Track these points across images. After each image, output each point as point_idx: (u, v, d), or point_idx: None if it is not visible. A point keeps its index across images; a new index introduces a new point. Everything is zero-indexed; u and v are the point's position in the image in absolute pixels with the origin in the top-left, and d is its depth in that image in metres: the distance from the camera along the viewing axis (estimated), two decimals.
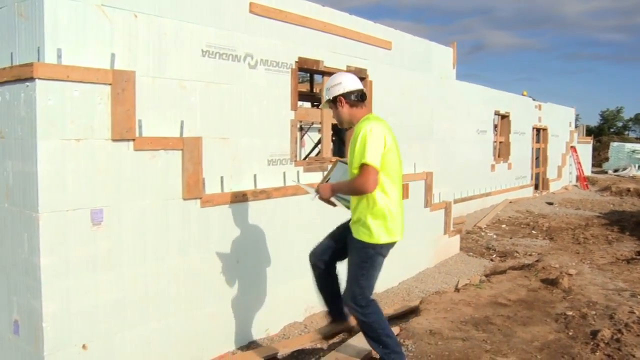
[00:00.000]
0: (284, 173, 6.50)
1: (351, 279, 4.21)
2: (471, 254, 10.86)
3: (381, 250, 4.13)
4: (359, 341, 5.37)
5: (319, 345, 6.15)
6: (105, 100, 4.64)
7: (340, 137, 8.82)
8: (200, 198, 5.46)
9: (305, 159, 8.58)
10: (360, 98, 4.25)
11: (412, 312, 7.12)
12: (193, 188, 5.34)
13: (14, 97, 4.47)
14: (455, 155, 11.10)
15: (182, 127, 5.29)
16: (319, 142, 9.48)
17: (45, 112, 4.28)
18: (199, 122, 5.44)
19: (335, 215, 7.29)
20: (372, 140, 3.83)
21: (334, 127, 7.91)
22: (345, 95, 4.19)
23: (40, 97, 4.25)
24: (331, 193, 4.31)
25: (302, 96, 9.42)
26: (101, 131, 4.62)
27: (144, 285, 5.07)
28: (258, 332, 6.19)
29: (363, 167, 3.84)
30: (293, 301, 6.73)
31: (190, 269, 5.43)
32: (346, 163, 4.52)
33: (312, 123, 10.56)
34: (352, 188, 4.04)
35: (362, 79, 7.79)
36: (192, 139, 5.32)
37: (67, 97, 4.40)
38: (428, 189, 9.42)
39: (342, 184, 4.28)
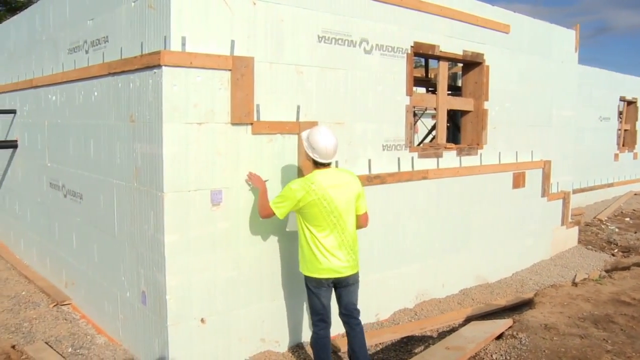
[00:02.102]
0: (399, 159, 6.45)
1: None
2: (590, 247, 10.29)
3: (308, 280, 4.66)
4: (472, 330, 5.27)
5: (428, 333, 6.09)
6: (226, 86, 4.80)
7: (455, 123, 8.62)
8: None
9: (419, 145, 8.46)
10: (322, 165, 4.65)
11: (526, 304, 6.87)
12: (308, 172, 5.40)
13: (143, 84, 4.74)
14: (576, 144, 10.51)
15: (298, 112, 5.38)
16: (433, 128, 9.33)
17: (170, 97, 4.50)
18: (314, 107, 5.51)
19: (450, 204, 7.18)
20: (283, 193, 4.62)
21: (449, 113, 7.73)
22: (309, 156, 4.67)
23: (166, 83, 4.48)
24: (259, 185, 4.94)
25: (417, 81, 9.28)
26: (221, 115, 4.80)
27: (259, 265, 5.23)
28: (368, 317, 6.21)
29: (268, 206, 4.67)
30: (404, 287, 6.71)
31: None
32: None
33: (426, 109, 10.37)
34: (260, 205, 4.82)
35: (479, 63, 7.55)
36: (308, 124, 5.39)
37: (190, 82, 4.60)
38: (546, 177, 9.00)
39: (263, 194, 4.85)
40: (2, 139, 8.83)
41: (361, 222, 4.83)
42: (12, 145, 8.36)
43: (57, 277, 7.09)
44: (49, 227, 7.24)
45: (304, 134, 4.68)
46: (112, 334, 5.69)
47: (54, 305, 6.54)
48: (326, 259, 4.52)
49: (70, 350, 5.49)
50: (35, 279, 7.41)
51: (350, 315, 4.72)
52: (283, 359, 5.34)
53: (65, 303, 6.58)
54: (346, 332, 4.80)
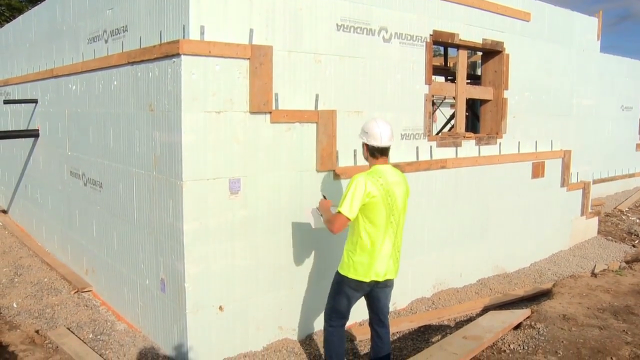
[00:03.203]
0: (417, 148, 6.43)
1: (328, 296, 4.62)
2: (610, 238, 10.17)
3: (348, 282, 4.38)
4: (490, 320, 5.25)
5: (446, 323, 6.08)
6: (244, 74, 4.81)
7: (474, 112, 8.56)
8: (334, 170, 5.54)
9: (438, 134, 8.41)
10: (380, 153, 4.40)
11: (544, 295, 6.84)
12: (327, 160, 5.43)
13: (162, 73, 4.76)
14: (597, 133, 10.41)
15: (316, 101, 5.37)
16: (452, 117, 9.27)
17: (189, 85, 4.52)
18: (333, 96, 5.50)
19: (468, 193, 7.14)
20: (351, 193, 4.18)
21: (468, 102, 7.67)
22: (367, 146, 4.42)
23: (185, 72, 4.49)
24: (324, 207, 4.61)
25: (436, 70, 9.21)
26: (240, 104, 4.81)
27: (277, 254, 5.26)
28: None
29: (338, 213, 4.23)
30: (421, 276, 6.70)
31: (321, 240, 5.55)
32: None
33: (445, 98, 10.31)
34: (325, 220, 4.51)
35: (499, 52, 7.48)
36: (327, 112, 5.39)
37: (209, 71, 4.61)
38: (565, 167, 8.91)
39: (327, 211, 4.55)
40: (24, 128, 8.94)
41: None
42: (33, 134, 8.47)
43: (78, 264, 7.19)
44: (70, 215, 7.33)
45: (362, 133, 4.46)
46: (131, 320, 5.76)
47: (75, 292, 6.63)
48: (379, 264, 4.30)
49: (91, 336, 5.57)
50: (57, 266, 7.52)
51: (383, 323, 4.59)
52: (300, 347, 5.37)
53: (85, 290, 6.67)
54: (373, 338, 4.66)
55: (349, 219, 4.18)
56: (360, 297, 4.48)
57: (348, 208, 4.14)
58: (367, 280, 4.30)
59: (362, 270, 4.30)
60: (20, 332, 5.55)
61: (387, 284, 4.46)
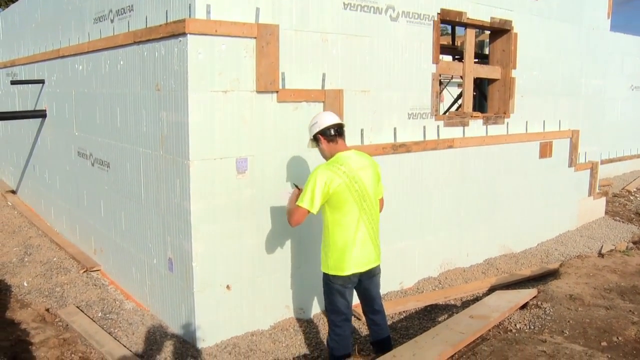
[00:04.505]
0: (424, 127, 6.40)
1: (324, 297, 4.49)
2: (617, 218, 10.13)
3: (335, 280, 4.26)
4: (496, 299, 5.27)
5: (452, 302, 6.11)
6: (251, 54, 4.79)
7: (482, 92, 8.50)
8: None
9: (445, 113, 8.38)
10: (337, 133, 4.30)
11: (551, 275, 6.83)
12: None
13: (169, 52, 4.75)
14: (605, 113, 10.30)
15: (323, 80, 5.35)
16: (459, 96, 9.22)
17: (195, 65, 4.51)
18: (340, 75, 5.47)
19: (475, 173, 7.12)
20: (312, 186, 4.09)
21: (476, 81, 7.62)
22: (323, 133, 4.29)
23: (191, 51, 4.48)
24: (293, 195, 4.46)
25: (443, 49, 9.14)
26: (246, 83, 4.80)
27: (285, 233, 5.28)
28: (392, 285, 6.26)
29: (298, 207, 4.14)
30: (428, 256, 6.72)
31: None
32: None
33: (452, 77, 10.24)
34: (287, 212, 4.44)
35: (507, 31, 7.40)
36: (334, 92, 5.37)
37: (215, 50, 4.59)
38: (573, 147, 8.86)
39: (291, 202, 4.38)
40: (32, 109, 8.95)
41: (380, 206, 4.52)
42: (41, 114, 8.48)
43: (87, 244, 7.24)
44: (78, 196, 7.37)
45: (314, 125, 4.34)
46: (140, 299, 5.81)
47: (84, 271, 6.69)
48: (358, 252, 4.21)
49: (100, 314, 5.63)
50: (66, 246, 7.58)
51: (379, 311, 4.53)
52: (308, 326, 5.41)
53: (94, 269, 6.73)
54: (370, 327, 4.63)
55: (308, 212, 4.10)
56: (353, 291, 4.39)
57: (309, 201, 4.08)
58: (350, 273, 4.21)
59: (343, 265, 4.20)
60: (32, 310, 5.62)
61: (373, 273, 4.39)
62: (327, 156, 4.34)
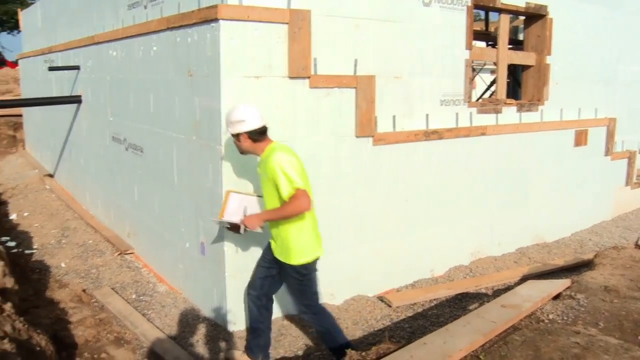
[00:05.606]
0: (457, 114, 6.33)
1: (297, 294, 4.32)
2: None
3: (305, 269, 4.14)
4: (528, 289, 5.21)
5: (483, 291, 6.06)
6: (283, 39, 4.78)
7: (516, 78, 8.36)
8: (373, 136, 5.52)
9: (478, 100, 8.27)
10: (262, 133, 4.11)
11: (585, 265, 6.72)
12: (366, 126, 5.41)
13: (201, 38, 4.77)
14: None
15: (355, 66, 5.32)
16: (492, 83, 9.09)
17: (228, 51, 4.52)
18: (371, 61, 5.43)
19: (508, 161, 7.03)
20: (289, 169, 3.89)
21: (509, 67, 7.49)
22: (249, 133, 4.05)
23: (224, 37, 4.49)
24: (260, 223, 4.15)
25: (477, 35, 9.00)
26: (278, 69, 4.80)
27: (313, 220, 5.26)
28: (422, 272, 6.24)
29: (295, 191, 3.89)
30: (459, 244, 6.68)
31: (359, 205, 5.56)
32: (237, 192, 4.49)
33: (485, 64, 10.09)
34: (287, 213, 3.99)
35: (542, 16, 7.24)
36: (366, 77, 5.34)
37: (247, 36, 4.60)
38: (610, 136, 8.67)
39: (273, 212, 4.08)
40: (68, 95, 9.11)
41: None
42: (76, 100, 8.63)
43: (120, 227, 7.37)
44: (112, 180, 7.50)
45: (239, 123, 4.04)
46: (172, 282, 5.91)
47: (118, 254, 6.82)
48: (316, 236, 4.20)
49: (134, 296, 5.74)
50: (101, 229, 7.73)
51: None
52: (338, 311, 5.43)
53: (128, 252, 6.86)
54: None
55: (306, 190, 3.93)
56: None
57: (298, 180, 3.87)
58: (319, 255, 4.19)
59: (313, 248, 4.15)
60: (69, 291, 5.76)
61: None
62: (246, 151, 4.19)
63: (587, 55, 8.04)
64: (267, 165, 3.97)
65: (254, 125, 4.03)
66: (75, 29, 8.55)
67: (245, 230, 4.17)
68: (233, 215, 4.32)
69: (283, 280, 4.34)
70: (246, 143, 4.09)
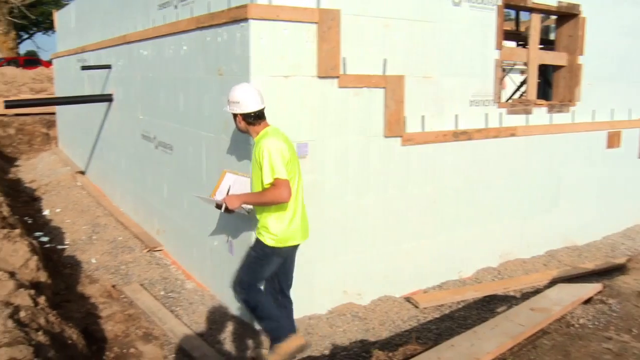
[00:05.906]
0: (486, 114, 6.27)
1: (244, 267, 4.24)
2: None
3: (278, 251, 4.12)
4: (558, 292, 5.14)
5: (511, 293, 6.00)
6: (312, 39, 4.80)
7: (546, 79, 8.24)
8: (401, 136, 5.50)
9: (507, 101, 8.17)
10: (258, 117, 4.12)
11: (617, 269, 6.59)
12: (394, 126, 5.39)
13: (231, 37, 4.81)
14: None
15: (384, 65, 5.30)
16: (522, 84, 8.97)
17: (257, 50, 4.56)
18: (401, 61, 5.42)
19: (538, 162, 6.93)
20: (276, 156, 3.90)
21: (540, 68, 7.39)
22: (243, 115, 4.10)
23: (254, 36, 4.53)
24: (239, 204, 4.12)
25: (507, 35, 8.90)
26: (308, 68, 4.81)
27: (344, 218, 5.30)
28: (450, 274, 6.20)
29: (276, 181, 3.90)
30: (488, 246, 6.60)
31: (387, 205, 5.55)
32: (234, 173, 4.51)
33: (515, 64, 9.97)
34: (266, 200, 4.02)
35: (574, 15, 7.12)
36: (395, 77, 5.32)
37: (277, 36, 4.63)
38: None
39: (252, 195, 4.14)
40: (99, 93, 9.26)
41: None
42: (108, 99, 8.77)
43: (150, 224, 7.47)
44: (142, 177, 7.60)
45: (235, 104, 4.11)
46: (200, 280, 5.96)
47: (147, 251, 6.91)
48: (299, 223, 4.16)
49: (162, 293, 5.82)
50: (130, 226, 7.84)
51: (290, 287, 4.49)
52: (365, 312, 5.42)
53: (157, 249, 6.94)
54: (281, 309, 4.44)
55: (288, 181, 3.93)
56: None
57: (282, 171, 3.88)
58: (296, 242, 4.19)
59: (294, 233, 4.13)
60: (99, 286, 5.85)
61: (297, 247, 4.32)
62: (242, 130, 4.25)
63: (622, 55, 7.87)
64: (256, 149, 4.02)
65: (248, 108, 4.07)
66: (107, 29, 8.68)
67: (227, 209, 4.14)
68: (224, 194, 4.38)
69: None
70: (241, 124, 4.17)
